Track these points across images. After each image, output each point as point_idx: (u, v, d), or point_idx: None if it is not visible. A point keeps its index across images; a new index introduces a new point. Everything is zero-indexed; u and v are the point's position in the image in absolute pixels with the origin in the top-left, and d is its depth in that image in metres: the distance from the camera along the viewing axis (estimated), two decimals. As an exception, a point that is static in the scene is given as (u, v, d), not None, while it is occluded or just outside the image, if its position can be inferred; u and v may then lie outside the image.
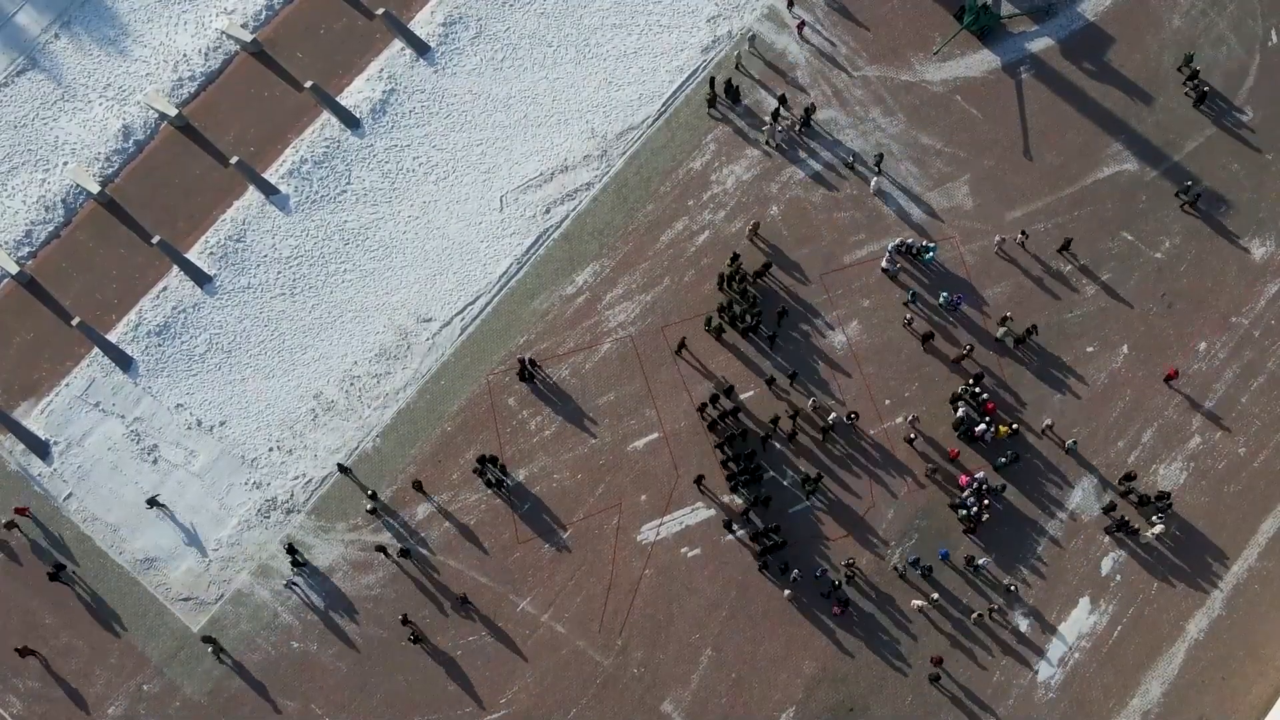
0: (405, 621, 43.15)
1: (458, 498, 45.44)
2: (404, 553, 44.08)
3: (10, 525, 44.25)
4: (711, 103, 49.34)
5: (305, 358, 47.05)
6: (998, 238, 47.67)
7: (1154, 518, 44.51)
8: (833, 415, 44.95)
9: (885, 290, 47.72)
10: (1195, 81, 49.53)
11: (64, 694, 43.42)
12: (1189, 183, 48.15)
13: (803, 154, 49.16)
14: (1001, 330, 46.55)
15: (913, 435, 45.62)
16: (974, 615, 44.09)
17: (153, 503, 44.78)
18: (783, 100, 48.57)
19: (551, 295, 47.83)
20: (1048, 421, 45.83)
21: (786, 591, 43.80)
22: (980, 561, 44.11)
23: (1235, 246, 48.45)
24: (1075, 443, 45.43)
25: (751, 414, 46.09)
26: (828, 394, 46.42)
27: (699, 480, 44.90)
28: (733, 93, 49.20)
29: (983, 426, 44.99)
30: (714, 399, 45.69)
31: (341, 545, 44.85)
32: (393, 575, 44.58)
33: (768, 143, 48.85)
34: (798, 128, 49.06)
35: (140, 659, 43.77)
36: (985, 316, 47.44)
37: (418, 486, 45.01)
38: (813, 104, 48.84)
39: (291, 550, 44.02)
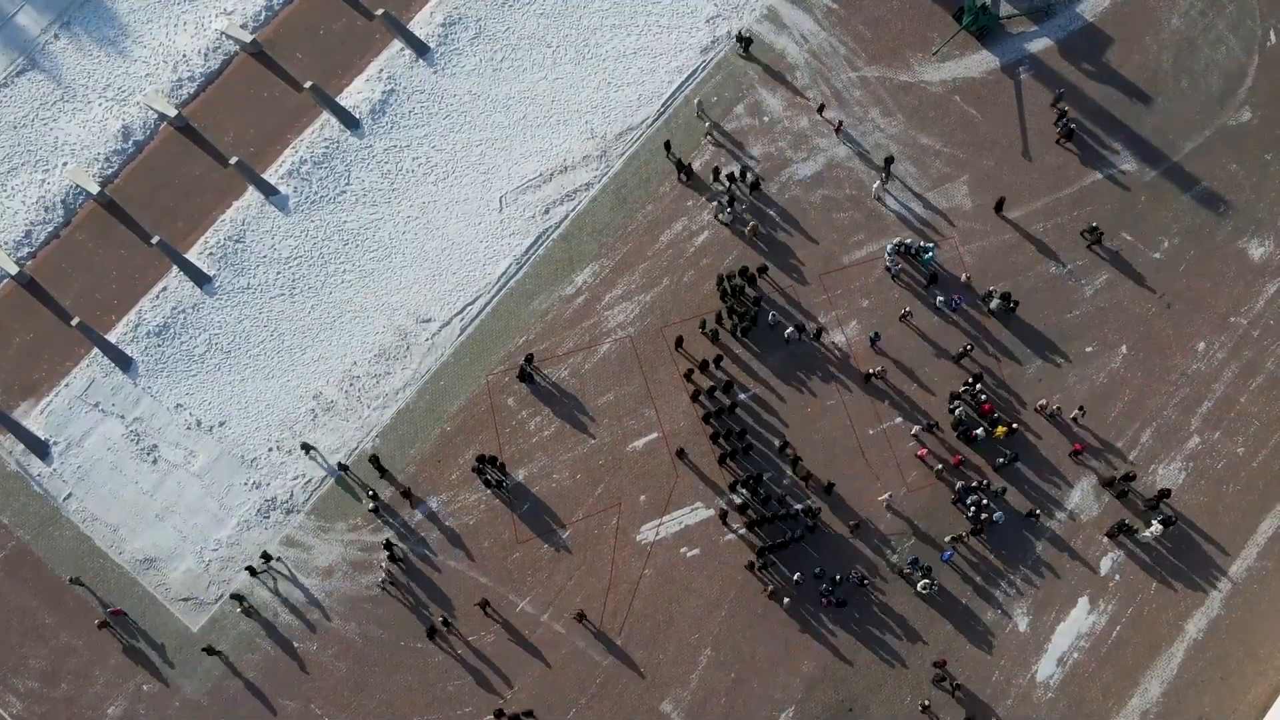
0: (438, 625, 43.57)
1: (457, 498, 45.47)
2: (388, 546, 44.13)
3: (103, 625, 43.75)
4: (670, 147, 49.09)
5: (305, 358, 47.08)
6: (954, 296, 47.22)
7: (1154, 518, 44.58)
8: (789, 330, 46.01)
9: (884, 290, 47.75)
10: (1064, 120, 48.74)
11: (64, 694, 43.46)
12: (1094, 224, 47.71)
13: (803, 154, 49.24)
14: (995, 302, 46.79)
15: (874, 372, 45.88)
16: (948, 539, 44.53)
17: (307, 448, 45.35)
18: (730, 178, 47.81)
19: (551, 295, 47.86)
20: (1041, 401, 46.06)
21: (787, 600, 43.80)
22: (996, 513, 44.44)
23: (1234, 247, 48.49)
24: (1059, 408, 45.89)
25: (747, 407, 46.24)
26: (826, 394, 46.48)
27: (680, 453, 45.15)
28: (685, 169, 48.21)
29: (981, 431, 45.08)
30: (703, 366, 46.05)
31: (341, 545, 44.87)
32: (393, 575, 44.60)
33: (717, 217, 47.96)
34: (740, 200, 48.11)
35: (140, 659, 43.76)
36: (985, 317, 47.49)
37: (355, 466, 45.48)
38: (758, 178, 48.12)
39: (238, 599, 43.92)
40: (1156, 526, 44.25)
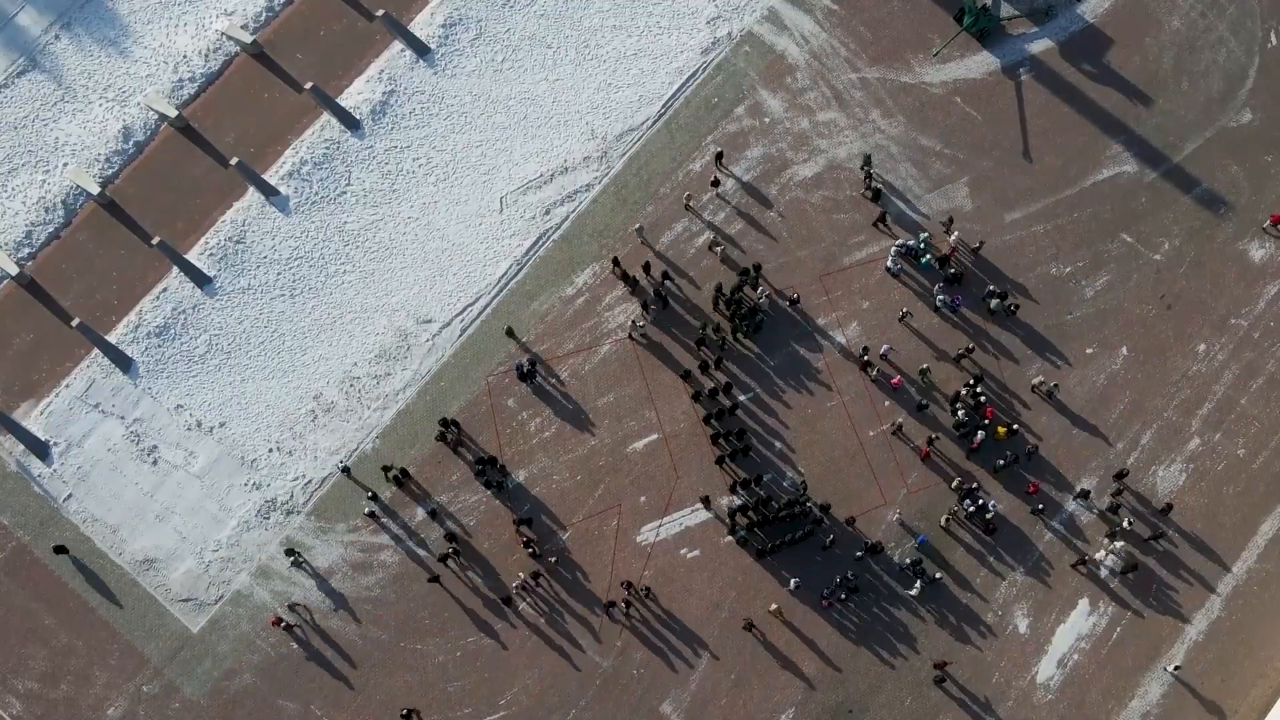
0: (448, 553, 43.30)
1: (458, 498, 45.47)
2: (433, 513, 44.68)
3: (284, 624, 43.64)
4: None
5: (305, 359, 47.08)
6: (954, 296, 47.15)
7: (1138, 525, 44.74)
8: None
9: (885, 291, 47.76)
10: (869, 181, 48.06)
11: (64, 694, 43.45)
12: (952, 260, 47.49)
13: (804, 155, 49.21)
14: (994, 302, 46.84)
15: (868, 362, 46.01)
16: (944, 518, 44.67)
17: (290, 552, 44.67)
18: (660, 294, 46.89)
19: (551, 297, 47.87)
20: (1036, 380, 46.09)
21: (774, 606, 43.63)
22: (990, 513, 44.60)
23: (1234, 248, 48.51)
24: (1057, 385, 45.99)
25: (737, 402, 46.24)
26: (827, 396, 46.49)
27: (705, 501, 44.95)
28: (630, 281, 47.11)
29: (981, 434, 45.09)
30: (703, 367, 46.03)
31: (341, 546, 44.88)
32: (393, 576, 44.61)
33: (632, 337, 46.81)
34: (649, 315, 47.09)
35: (140, 659, 43.79)
36: (984, 320, 47.49)
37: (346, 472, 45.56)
38: (665, 297, 46.87)
39: (291, 553, 44.24)
40: (1144, 530, 44.42)
